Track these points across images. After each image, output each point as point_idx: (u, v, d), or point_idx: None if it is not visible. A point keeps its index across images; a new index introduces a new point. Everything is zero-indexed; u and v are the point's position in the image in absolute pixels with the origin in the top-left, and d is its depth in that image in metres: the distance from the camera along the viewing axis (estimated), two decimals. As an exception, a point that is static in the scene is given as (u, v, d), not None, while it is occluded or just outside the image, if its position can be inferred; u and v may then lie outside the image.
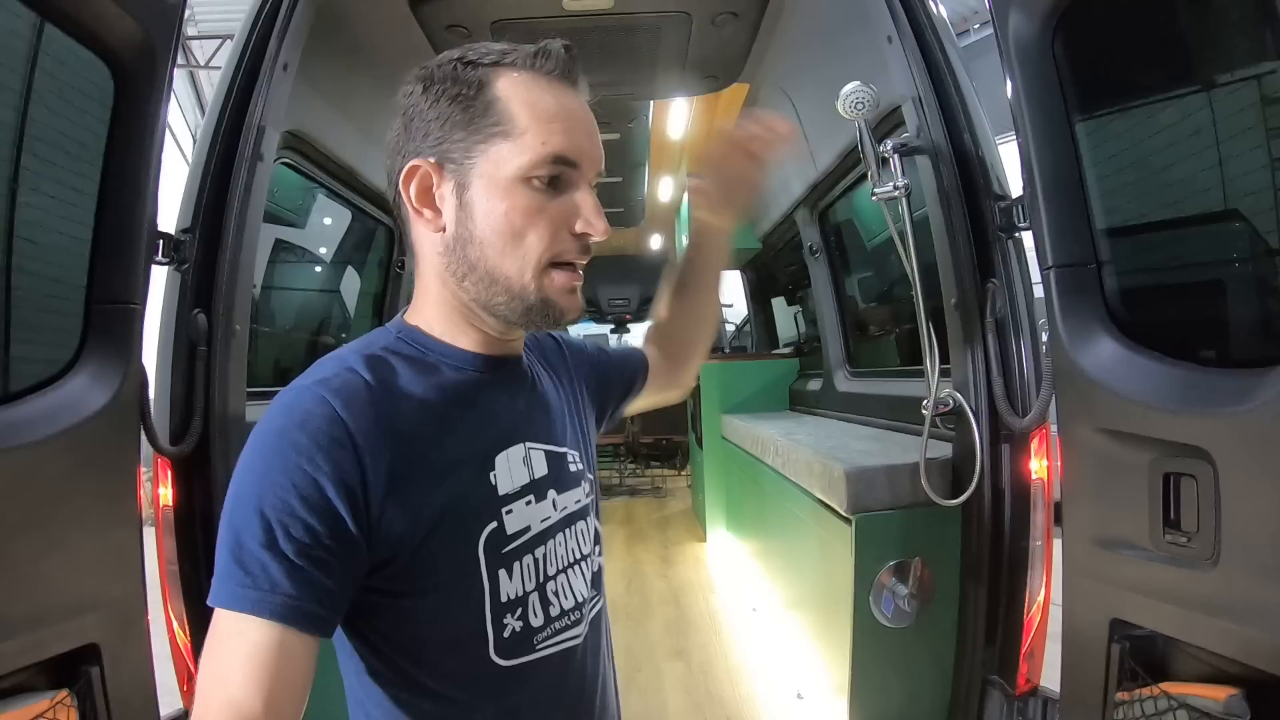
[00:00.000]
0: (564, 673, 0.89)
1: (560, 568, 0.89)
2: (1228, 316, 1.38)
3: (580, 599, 0.91)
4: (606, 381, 1.15)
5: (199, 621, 1.77)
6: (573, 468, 0.95)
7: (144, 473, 1.68)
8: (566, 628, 0.89)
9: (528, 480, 0.87)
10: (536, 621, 0.85)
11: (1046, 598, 1.76)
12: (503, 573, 0.82)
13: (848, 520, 2.00)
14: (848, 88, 1.81)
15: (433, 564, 0.78)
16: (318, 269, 3.36)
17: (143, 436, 1.64)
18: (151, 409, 1.68)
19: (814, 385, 3.93)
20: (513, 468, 0.86)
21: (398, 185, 0.84)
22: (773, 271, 5.09)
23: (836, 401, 3.51)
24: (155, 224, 1.63)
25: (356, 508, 0.72)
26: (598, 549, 0.98)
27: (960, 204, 1.84)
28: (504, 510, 0.83)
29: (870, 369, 3.44)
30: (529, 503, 0.86)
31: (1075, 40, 1.45)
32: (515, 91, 0.80)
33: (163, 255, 1.71)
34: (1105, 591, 1.41)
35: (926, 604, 1.91)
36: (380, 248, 3.52)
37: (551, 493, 0.90)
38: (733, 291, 6.30)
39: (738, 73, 2.96)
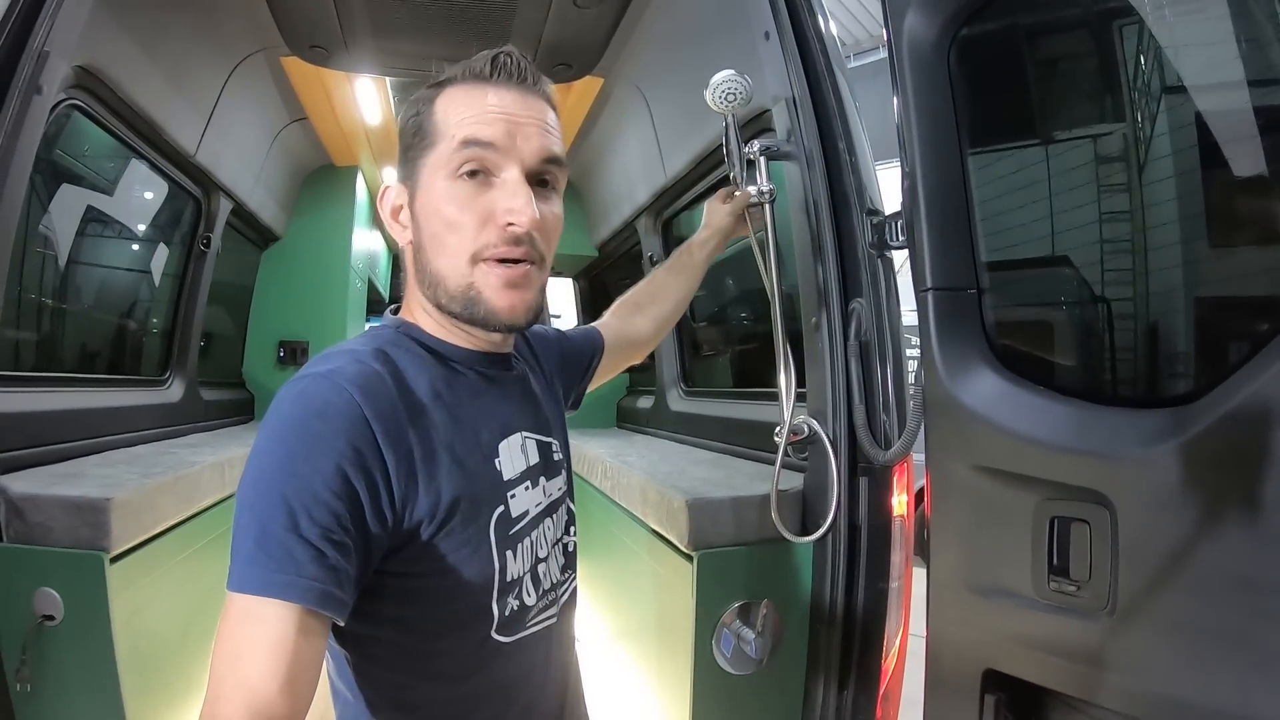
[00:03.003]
0: (547, 647, 0.97)
1: (548, 550, 0.97)
2: (1123, 354, 1.32)
3: (555, 580, 0.98)
4: (570, 366, 1.25)
5: None
6: (556, 456, 1.03)
7: None
8: (547, 606, 0.96)
9: (525, 467, 0.94)
10: (530, 601, 0.92)
11: (904, 641, 1.66)
12: (509, 554, 0.88)
13: (689, 557, 1.82)
14: (720, 76, 1.65)
15: (450, 545, 0.82)
16: (110, 238, 2.89)
17: None
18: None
19: (645, 403, 3.78)
20: (513, 455, 0.93)
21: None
22: (606, 281, 4.92)
23: (669, 421, 3.37)
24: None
25: (377, 492, 0.76)
26: (573, 529, 1.06)
27: (829, 216, 1.72)
28: (509, 495, 0.90)
29: (706, 389, 3.32)
30: (527, 488, 0.93)
31: (973, 55, 1.36)
32: (446, 104, 0.87)
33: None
34: (978, 641, 1.30)
35: (775, 648, 1.77)
36: (185, 221, 3.07)
37: (542, 479, 0.97)
38: (562, 301, 6.08)
39: (593, 64, 2.77)
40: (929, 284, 1.36)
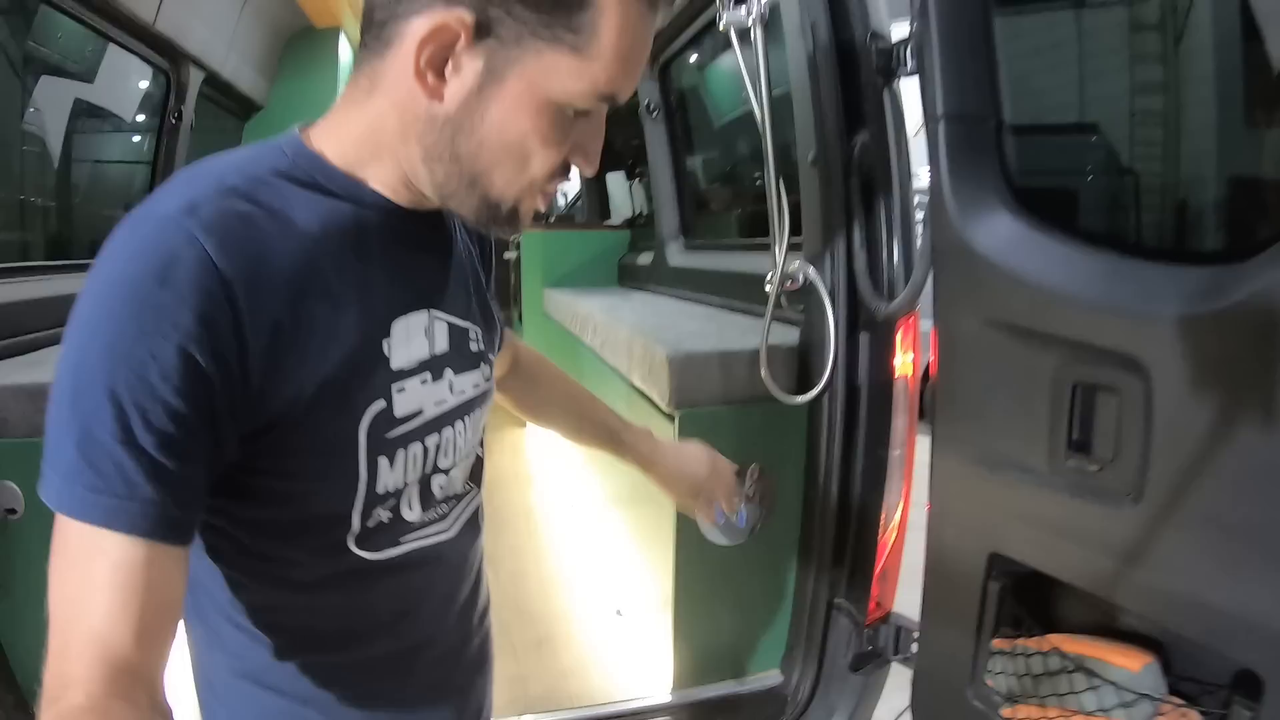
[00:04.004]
0: (434, 570, 0.83)
1: (453, 461, 0.80)
2: (1167, 198, 1.15)
3: (456, 493, 0.83)
4: None
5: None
6: (473, 347, 0.83)
7: None
8: (436, 520, 0.81)
9: (427, 355, 0.76)
10: (410, 516, 0.77)
11: (904, 514, 1.54)
12: (383, 460, 0.72)
13: (670, 417, 1.71)
14: None
15: (305, 443, 0.67)
16: (72, 119, 2.74)
17: None
18: None
19: (645, 259, 3.60)
20: (411, 337, 0.74)
21: (401, 16, 0.65)
22: (610, 138, 4.64)
23: (669, 277, 3.20)
24: None
25: (231, 379, 0.61)
26: (480, 441, 0.89)
27: (829, 38, 1.51)
28: (395, 387, 0.72)
29: (709, 241, 3.14)
30: (424, 381, 0.75)
31: None
32: (616, 9, 0.65)
33: None
34: (984, 519, 1.19)
35: (765, 517, 1.65)
36: (154, 96, 2.92)
37: (449, 373, 0.78)
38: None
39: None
40: (940, 111, 1.18)
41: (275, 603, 0.74)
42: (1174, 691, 0.98)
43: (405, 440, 0.73)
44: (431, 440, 0.76)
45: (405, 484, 0.74)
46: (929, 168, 1.20)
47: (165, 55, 2.77)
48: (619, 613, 2.33)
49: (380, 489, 0.72)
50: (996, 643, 1.15)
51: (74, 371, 0.58)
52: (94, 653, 0.55)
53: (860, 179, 1.52)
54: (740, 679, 1.79)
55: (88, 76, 2.70)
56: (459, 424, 0.79)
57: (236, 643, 0.75)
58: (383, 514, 0.74)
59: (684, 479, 1.20)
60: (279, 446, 0.66)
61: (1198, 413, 0.88)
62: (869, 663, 1.57)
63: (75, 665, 0.55)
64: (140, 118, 3.00)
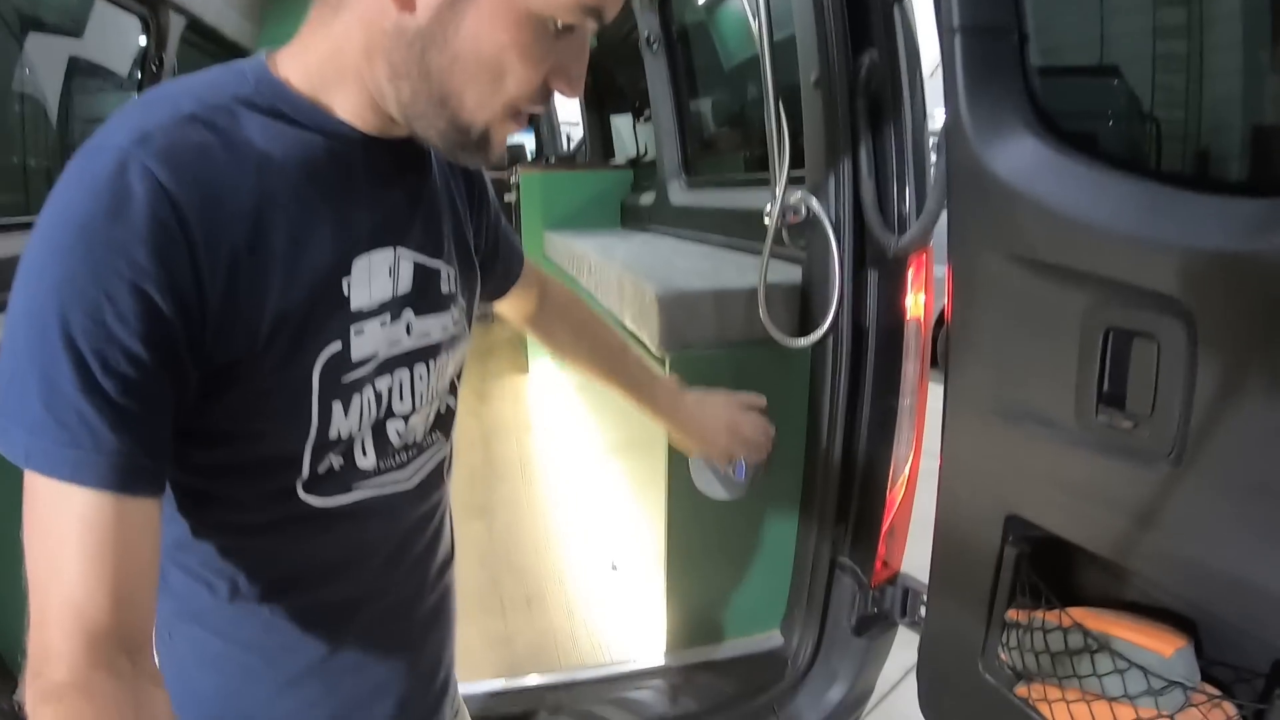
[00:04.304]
0: (387, 520, 0.80)
1: (410, 408, 0.77)
2: (1215, 118, 1.01)
3: (416, 442, 0.80)
4: (494, 251, 0.97)
5: None
6: (444, 288, 0.80)
7: None
8: (393, 468, 0.78)
9: (389, 295, 0.73)
10: (365, 464, 0.75)
11: (914, 468, 1.43)
12: (337, 405, 0.70)
13: (660, 360, 1.62)
14: None
15: (258, 384, 0.65)
16: (53, 74, 2.60)
17: None
18: None
19: (647, 199, 3.49)
20: (374, 276, 0.72)
21: None
22: (615, 77, 4.47)
23: (671, 216, 3.09)
24: None
25: (190, 317, 0.58)
26: (455, 388, 0.88)
27: None
28: (353, 329, 0.70)
29: (712, 178, 3.01)
30: (384, 323, 0.73)
31: None
32: None
33: None
34: (1001, 478, 1.09)
35: (763, 470, 1.57)
36: (136, 45, 2.79)
37: (409, 314, 0.76)
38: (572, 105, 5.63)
39: None
40: (956, 23, 1.07)
41: (220, 546, 0.73)
42: (1205, 676, 0.88)
43: (359, 385, 0.71)
44: (383, 383, 0.73)
45: (357, 432, 0.72)
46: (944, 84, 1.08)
47: (143, 1, 2.64)
48: (614, 567, 2.27)
49: (333, 434, 0.70)
50: (1011, 614, 1.06)
51: (27, 317, 0.56)
52: (71, 622, 0.54)
53: (867, 102, 1.40)
54: (738, 640, 1.72)
55: (76, 31, 2.58)
56: (419, 367, 0.77)
57: (181, 585, 0.73)
58: (334, 460, 0.72)
59: (699, 438, 1.20)
60: (232, 386, 0.64)
61: (1248, 364, 0.78)
62: (874, 626, 1.50)
63: (54, 635, 0.55)
64: (140, 74, 2.88)
